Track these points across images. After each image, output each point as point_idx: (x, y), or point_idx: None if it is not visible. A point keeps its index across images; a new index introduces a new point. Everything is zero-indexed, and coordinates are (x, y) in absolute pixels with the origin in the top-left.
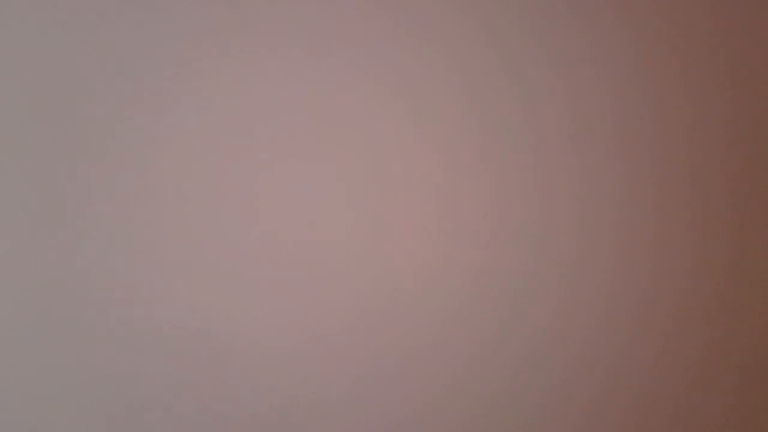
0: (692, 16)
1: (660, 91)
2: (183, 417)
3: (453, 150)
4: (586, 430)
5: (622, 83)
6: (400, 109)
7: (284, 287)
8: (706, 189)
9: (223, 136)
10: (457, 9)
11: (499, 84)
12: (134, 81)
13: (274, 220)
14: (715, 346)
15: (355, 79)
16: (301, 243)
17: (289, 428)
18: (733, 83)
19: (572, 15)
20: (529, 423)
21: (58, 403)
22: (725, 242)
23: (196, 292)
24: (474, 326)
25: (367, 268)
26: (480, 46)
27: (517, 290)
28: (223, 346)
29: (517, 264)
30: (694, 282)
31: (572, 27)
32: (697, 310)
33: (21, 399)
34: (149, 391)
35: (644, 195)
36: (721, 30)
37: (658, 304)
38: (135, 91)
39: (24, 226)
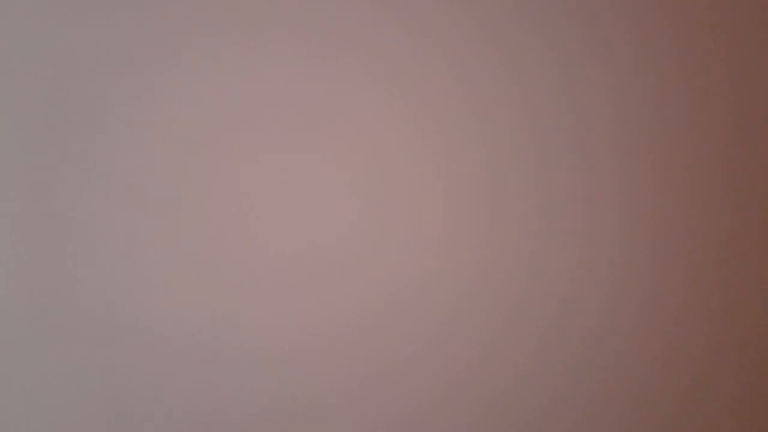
0: (692, 16)
1: (660, 91)
2: (183, 419)
3: (453, 149)
4: (586, 430)
5: (623, 83)
6: (400, 106)
7: (284, 288)
8: (706, 189)
9: (222, 136)
10: (456, 6)
11: (500, 82)
12: (131, 80)
13: (273, 220)
14: (715, 346)
15: (355, 77)
16: (300, 243)
17: (290, 429)
18: (733, 83)
19: (572, 14)
20: (530, 422)
21: (55, 408)
22: (725, 242)
23: (195, 294)
24: (474, 327)
25: (366, 269)
26: (480, 44)
27: (517, 290)
28: (222, 347)
29: (518, 264)
30: (694, 282)
31: (572, 26)
32: (697, 310)
33: (20, 403)
34: (148, 394)
35: (644, 195)
36: (721, 30)
37: (658, 304)
38: (130, 90)
39: (17, 229)
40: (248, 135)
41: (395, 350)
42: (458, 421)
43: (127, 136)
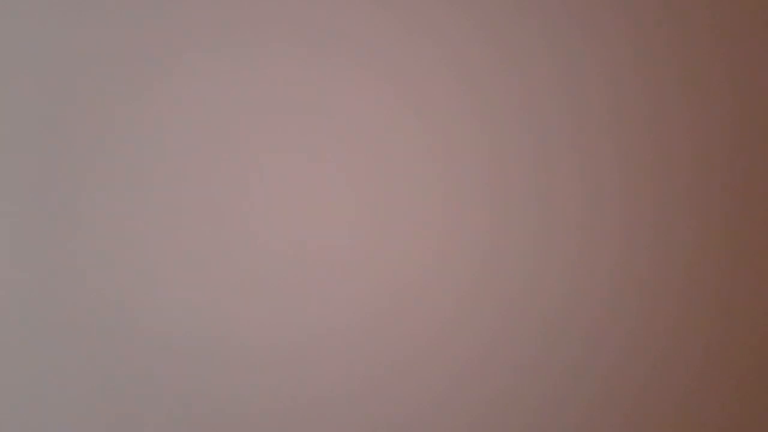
0: (692, 16)
1: (660, 91)
2: (183, 419)
3: (453, 149)
4: (586, 430)
5: (622, 82)
6: (400, 106)
7: (284, 288)
8: (706, 189)
9: (223, 136)
10: (456, 6)
11: (500, 82)
12: (131, 80)
13: (273, 220)
14: (715, 346)
15: (355, 77)
16: (300, 243)
17: (290, 429)
18: (733, 83)
19: (572, 14)
20: (530, 422)
21: (55, 407)
22: (725, 242)
23: (195, 294)
24: (474, 327)
25: (366, 269)
26: (480, 44)
27: (517, 290)
28: (222, 347)
29: (518, 264)
30: (694, 282)
31: (572, 26)
32: (697, 311)
33: (20, 403)
34: (148, 393)
35: (644, 195)
36: (721, 30)
37: (658, 304)
38: (130, 90)
39: (17, 229)
40: (248, 135)
41: (395, 350)
42: (458, 421)
43: (127, 136)
